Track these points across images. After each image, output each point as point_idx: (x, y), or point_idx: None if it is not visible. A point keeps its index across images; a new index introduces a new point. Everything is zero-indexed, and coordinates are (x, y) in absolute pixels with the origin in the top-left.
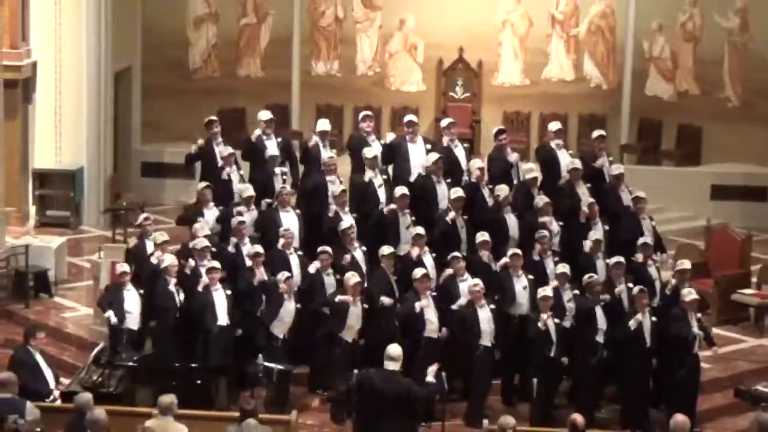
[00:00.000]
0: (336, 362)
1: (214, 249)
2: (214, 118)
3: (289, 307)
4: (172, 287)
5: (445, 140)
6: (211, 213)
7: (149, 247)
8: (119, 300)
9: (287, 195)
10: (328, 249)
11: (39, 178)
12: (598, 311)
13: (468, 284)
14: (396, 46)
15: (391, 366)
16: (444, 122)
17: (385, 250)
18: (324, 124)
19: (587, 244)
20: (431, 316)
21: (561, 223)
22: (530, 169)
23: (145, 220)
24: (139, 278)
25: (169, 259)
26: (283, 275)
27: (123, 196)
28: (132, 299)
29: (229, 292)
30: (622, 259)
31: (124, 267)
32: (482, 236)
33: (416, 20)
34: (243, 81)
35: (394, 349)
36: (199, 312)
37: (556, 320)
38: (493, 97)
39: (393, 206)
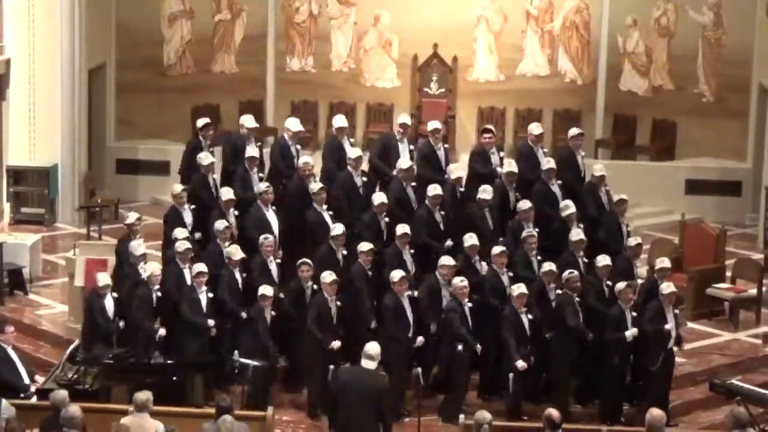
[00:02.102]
0: (314, 358)
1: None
2: (209, 121)
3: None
4: (154, 294)
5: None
6: (187, 214)
7: (133, 247)
8: (102, 307)
9: (269, 195)
10: (308, 261)
11: (13, 176)
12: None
13: (454, 282)
14: (371, 42)
15: (369, 364)
16: (430, 126)
17: (364, 246)
18: (341, 121)
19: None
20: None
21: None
22: (509, 164)
23: (137, 220)
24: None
25: (152, 268)
26: (265, 289)
27: (98, 193)
28: (110, 305)
29: (211, 295)
30: (609, 261)
31: (106, 279)
32: (471, 239)
33: (391, 16)
34: (217, 77)
35: (373, 347)
36: (186, 307)
37: (530, 316)
38: (468, 92)
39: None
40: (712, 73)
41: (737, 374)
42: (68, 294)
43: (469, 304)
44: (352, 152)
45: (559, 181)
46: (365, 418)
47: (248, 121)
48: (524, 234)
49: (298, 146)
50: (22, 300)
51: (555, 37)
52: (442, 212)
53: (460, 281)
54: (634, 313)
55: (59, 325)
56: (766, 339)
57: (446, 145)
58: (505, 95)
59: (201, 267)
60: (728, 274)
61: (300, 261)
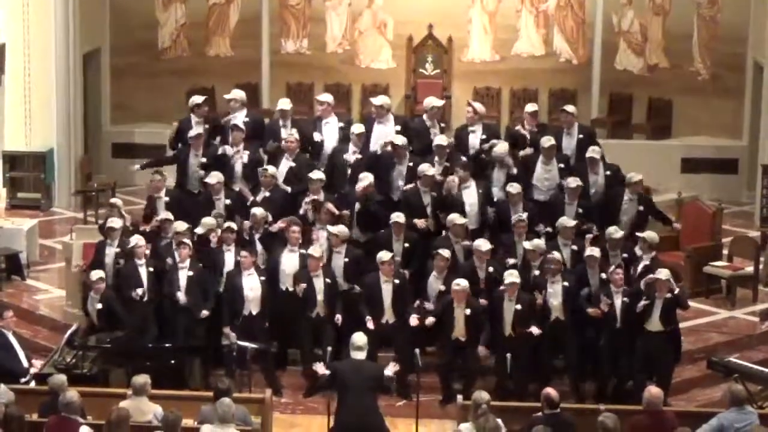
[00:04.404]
0: (303, 338)
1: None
2: (201, 101)
3: (250, 284)
4: (142, 270)
5: (427, 121)
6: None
7: (107, 249)
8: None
9: (269, 177)
10: (297, 220)
11: (9, 161)
12: (552, 288)
13: (453, 285)
14: (365, 24)
15: (359, 355)
16: (427, 103)
17: (385, 255)
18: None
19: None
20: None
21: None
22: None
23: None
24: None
25: (136, 240)
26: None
27: (94, 177)
28: (93, 306)
29: (191, 273)
30: (596, 253)
31: (99, 274)
32: (459, 219)
33: None
34: (212, 61)
35: (360, 338)
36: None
37: (518, 306)
38: (463, 73)
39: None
40: (707, 51)
41: (735, 352)
42: (65, 278)
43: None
44: (354, 128)
45: (561, 165)
46: (371, 404)
47: (233, 92)
48: (514, 218)
49: (294, 129)
50: (20, 285)
51: (550, 17)
52: (434, 194)
53: (455, 284)
54: (625, 299)
55: (57, 309)
56: (764, 316)
57: (443, 124)
58: (501, 75)
59: (184, 239)
60: (725, 252)
61: (288, 219)
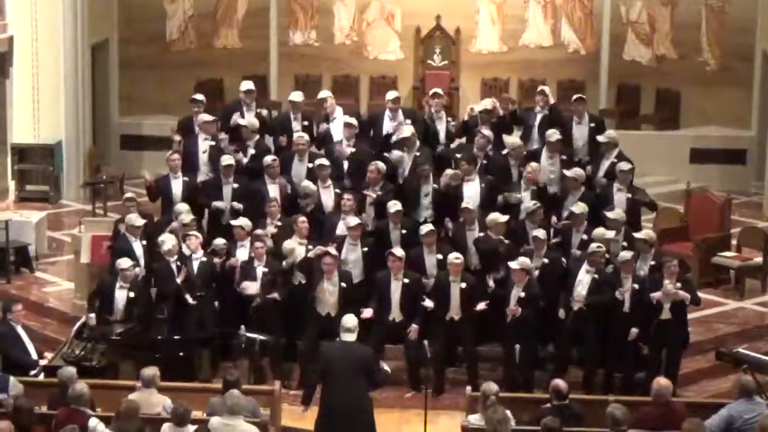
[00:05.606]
0: (308, 333)
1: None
2: (199, 98)
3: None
4: (173, 266)
5: (427, 110)
6: (179, 182)
7: (134, 245)
8: (109, 297)
9: (275, 167)
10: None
11: (18, 153)
12: (583, 277)
13: (450, 258)
14: (373, 15)
15: (348, 337)
16: (431, 92)
17: (395, 252)
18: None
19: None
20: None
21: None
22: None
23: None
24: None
25: (171, 242)
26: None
27: (102, 169)
28: (121, 296)
29: (205, 258)
30: (596, 248)
31: (128, 262)
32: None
33: None
34: (220, 52)
35: (350, 320)
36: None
37: (522, 294)
38: (471, 64)
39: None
40: (715, 42)
41: (744, 343)
42: (74, 271)
43: (463, 285)
44: (344, 119)
45: (563, 156)
46: (358, 388)
47: (243, 84)
48: (531, 207)
49: (305, 122)
50: (29, 277)
51: (558, 8)
52: (435, 185)
53: (454, 258)
54: (635, 285)
55: (66, 302)
56: None
57: (449, 119)
58: (509, 66)
59: (193, 231)
60: (734, 242)
61: (295, 216)
